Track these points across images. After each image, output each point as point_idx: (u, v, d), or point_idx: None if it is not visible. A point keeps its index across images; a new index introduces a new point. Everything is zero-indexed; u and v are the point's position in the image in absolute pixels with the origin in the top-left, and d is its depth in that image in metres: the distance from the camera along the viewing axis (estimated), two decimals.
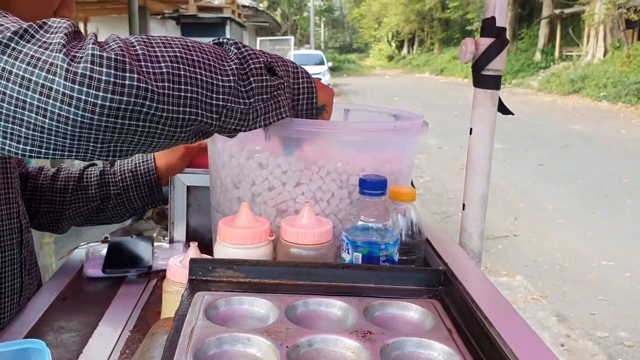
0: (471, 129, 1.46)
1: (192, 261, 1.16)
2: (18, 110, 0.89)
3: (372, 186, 1.24)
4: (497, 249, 5.83)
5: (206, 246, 1.42)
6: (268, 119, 1.09)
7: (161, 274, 1.53)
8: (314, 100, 1.17)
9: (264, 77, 1.06)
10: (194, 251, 1.22)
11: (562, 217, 6.83)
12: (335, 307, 1.09)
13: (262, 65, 1.07)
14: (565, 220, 6.71)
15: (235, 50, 1.07)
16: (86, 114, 0.88)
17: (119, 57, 0.90)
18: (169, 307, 1.18)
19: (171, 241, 1.73)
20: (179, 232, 1.73)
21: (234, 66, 1.04)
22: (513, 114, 1.45)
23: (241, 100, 1.02)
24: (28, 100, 0.88)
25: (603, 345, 4.15)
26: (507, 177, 8.40)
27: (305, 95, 1.16)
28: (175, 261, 1.23)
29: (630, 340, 4.22)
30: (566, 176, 8.67)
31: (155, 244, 1.69)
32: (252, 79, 1.04)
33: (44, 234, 3.89)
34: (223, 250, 1.23)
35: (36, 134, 0.91)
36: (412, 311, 1.10)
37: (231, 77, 1.02)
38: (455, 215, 1.69)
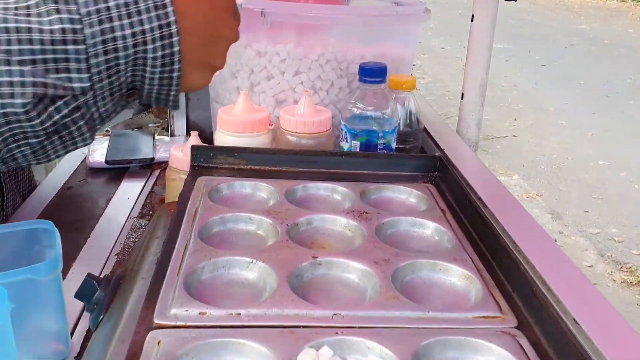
0: (473, 16, 1.43)
1: (194, 148, 1.18)
2: None
3: (372, 73, 1.23)
4: (495, 149, 5.87)
5: (206, 139, 1.44)
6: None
7: (163, 166, 1.56)
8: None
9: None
10: (194, 139, 1.23)
11: (563, 118, 6.82)
12: (333, 191, 1.12)
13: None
14: (566, 121, 6.71)
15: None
16: None
17: None
18: (173, 193, 1.21)
19: (172, 135, 1.74)
20: (179, 126, 1.74)
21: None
22: (516, 0, 1.42)
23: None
24: None
25: (594, 241, 4.28)
26: (509, 77, 8.29)
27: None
28: (176, 149, 1.25)
29: (621, 236, 4.34)
30: (569, 77, 8.56)
31: (157, 137, 1.71)
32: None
33: None
34: (223, 138, 1.25)
35: None
36: (407, 194, 1.13)
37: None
38: (456, 116, 1.70)
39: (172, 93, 0.86)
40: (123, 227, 1.30)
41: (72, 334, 0.96)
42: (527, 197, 4.93)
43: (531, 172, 5.43)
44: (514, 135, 6.26)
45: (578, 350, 0.68)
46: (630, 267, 3.94)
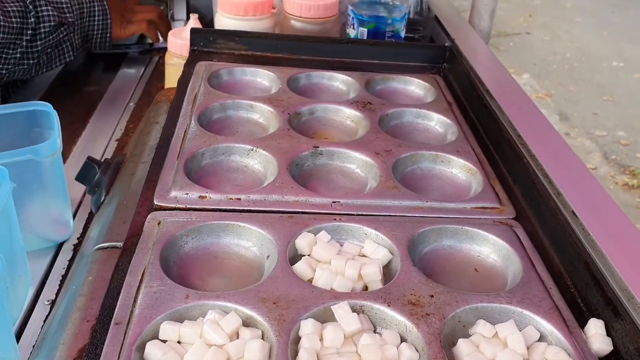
0: None
1: (193, 31, 1.13)
2: None
3: None
4: (507, 46, 5.70)
5: (207, 25, 1.39)
6: (52, 65, 1.26)
7: (163, 52, 1.52)
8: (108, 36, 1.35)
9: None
10: (194, 22, 1.19)
11: (579, 15, 6.56)
12: (337, 80, 1.10)
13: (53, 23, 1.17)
14: (582, 18, 6.46)
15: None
16: None
17: None
18: (171, 79, 1.19)
19: (171, 19, 1.68)
20: (179, 10, 1.67)
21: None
22: None
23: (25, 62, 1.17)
24: None
25: (600, 144, 4.25)
26: None
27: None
28: (175, 34, 1.21)
29: (627, 139, 4.31)
30: None
31: None
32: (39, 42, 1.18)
33: None
34: (223, 21, 1.20)
35: None
36: (413, 85, 1.10)
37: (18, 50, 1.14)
38: (469, 10, 1.61)
39: None
40: (123, 112, 1.28)
41: (74, 216, 0.97)
42: (537, 97, 4.84)
43: (542, 71, 5.30)
44: (527, 33, 6.06)
45: (574, 241, 0.69)
46: (633, 170, 3.94)
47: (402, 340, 0.60)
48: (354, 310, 0.61)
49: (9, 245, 0.79)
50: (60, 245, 0.93)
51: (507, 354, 0.57)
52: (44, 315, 0.79)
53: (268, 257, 0.69)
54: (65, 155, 1.10)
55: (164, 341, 0.57)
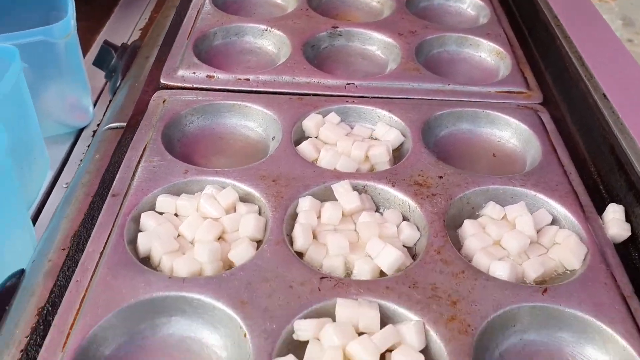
0: None
1: None
2: None
3: None
4: None
5: None
6: None
7: None
8: None
9: None
10: None
11: None
12: None
13: None
14: None
15: None
16: None
17: None
18: None
19: None
20: None
21: None
22: None
23: None
24: None
25: None
26: None
27: None
28: None
29: None
30: None
31: None
32: None
33: None
34: None
35: None
36: None
37: None
38: None
39: None
40: (148, 2, 1.25)
41: (95, 104, 0.96)
42: (600, 1, 4.54)
43: None
44: None
45: (602, 124, 0.63)
46: None
47: (405, 220, 0.57)
48: (356, 190, 0.58)
49: (24, 127, 0.79)
50: (80, 131, 0.93)
51: (514, 235, 0.54)
52: (60, 199, 0.80)
53: (273, 138, 0.67)
54: (88, 44, 1.09)
55: (161, 213, 0.56)
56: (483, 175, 0.61)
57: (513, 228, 0.55)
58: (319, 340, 0.45)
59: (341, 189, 0.58)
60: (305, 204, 0.56)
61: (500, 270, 0.51)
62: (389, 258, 0.51)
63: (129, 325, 0.47)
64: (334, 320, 0.46)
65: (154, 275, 0.49)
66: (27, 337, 0.47)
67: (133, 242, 0.53)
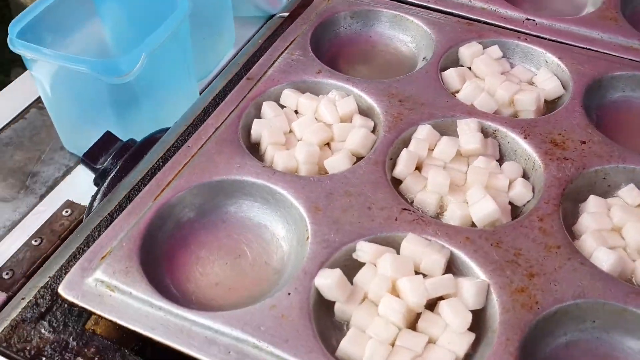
0: None
1: None
2: None
3: None
4: None
5: None
6: None
7: None
8: None
9: None
10: None
11: None
12: None
13: None
14: None
15: None
16: None
17: None
18: None
19: None
20: None
21: None
22: None
23: None
24: None
25: None
26: None
27: None
28: None
29: None
30: None
31: None
32: None
33: None
34: None
35: None
36: None
37: None
38: None
39: None
40: None
41: None
42: None
43: None
44: None
45: None
46: None
47: (524, 177, 0.52)
48: (485, 133, 0.54)
49: (215, 1, 0.84)
50: (271, 17, 0.96)
51: (639, 226, 0.46)
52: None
53: (424, 58, 0.64)
54: None
55: (283, 107, 0.57)
56: (635, 153, 0.52)
57: None
58: (374, 266, 0.44)
59: (466, 126, 0.54)
60: (423, 133, 0.53)
61: (604, 259, 0.44)
62: (483, 210, 0.47)
63: (215, 199, 0.50)
64: (398, 254, 0.45)
65: (250, 160, 0.51)
66: (137, 182, 0.53)
67: (249, 126, 0.55)
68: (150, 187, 0.50)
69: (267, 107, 0.56)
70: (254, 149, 0.54)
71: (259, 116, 0.57)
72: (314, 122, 0.55)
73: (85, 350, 0.42)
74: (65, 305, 0.44)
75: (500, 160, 0.54)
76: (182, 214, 0.49)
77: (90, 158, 0.62)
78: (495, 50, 0.63)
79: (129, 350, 0.42)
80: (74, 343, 0.43)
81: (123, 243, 0.45)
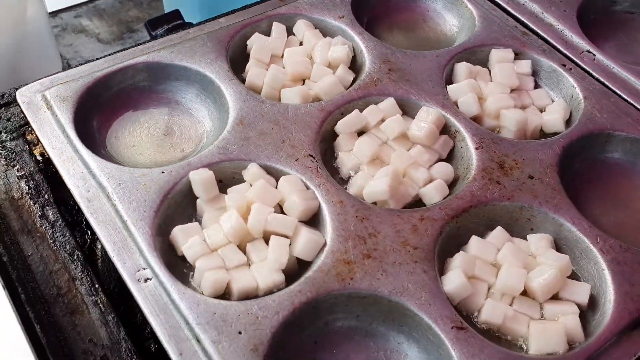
0: None
1: None
2: None
3: None
4: None
5: None
6: None
7: None
8: None
9: None
10: None
11: None
12: None
13: None
14: None
15: None
16: None
17: None
18: None
19: None
20: None
21: None
22: None
23: None
24: None
25: None
26: None
27: None
28: None
29: None
30: None
31: None
32: None
33: None
34: None
35: None
36: None
37: None
38: None
39: None
40: None
41: None
42: None
43: None
44: None
45: None
46: None
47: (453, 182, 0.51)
48: (446, 131, 0.53)
49: None
50: None
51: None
52: None
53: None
54: None
55: (293, 34, 0.60)
56: (575, 210, 0.48)
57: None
58: (250, 187, 0.47)
59: (426, 114, 0.53)
60: (385, 104, 0.53)
61: (451, 279, 0.43)
62: (374, 187, 0.50)
63: (178, 81, 0.56)
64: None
65: (221, 63, 0.56)
66: None
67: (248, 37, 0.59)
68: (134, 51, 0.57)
69: (276, 27, 0.60)
70: (244, 57, 0.58)
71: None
72: (302, 56, 0.57)
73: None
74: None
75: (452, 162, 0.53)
76: (140, 78, 0.55)
77: (151, 25, 0.70)
78: (525, 65, 0.59)
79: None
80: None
81: (84, 81, 0.53)
